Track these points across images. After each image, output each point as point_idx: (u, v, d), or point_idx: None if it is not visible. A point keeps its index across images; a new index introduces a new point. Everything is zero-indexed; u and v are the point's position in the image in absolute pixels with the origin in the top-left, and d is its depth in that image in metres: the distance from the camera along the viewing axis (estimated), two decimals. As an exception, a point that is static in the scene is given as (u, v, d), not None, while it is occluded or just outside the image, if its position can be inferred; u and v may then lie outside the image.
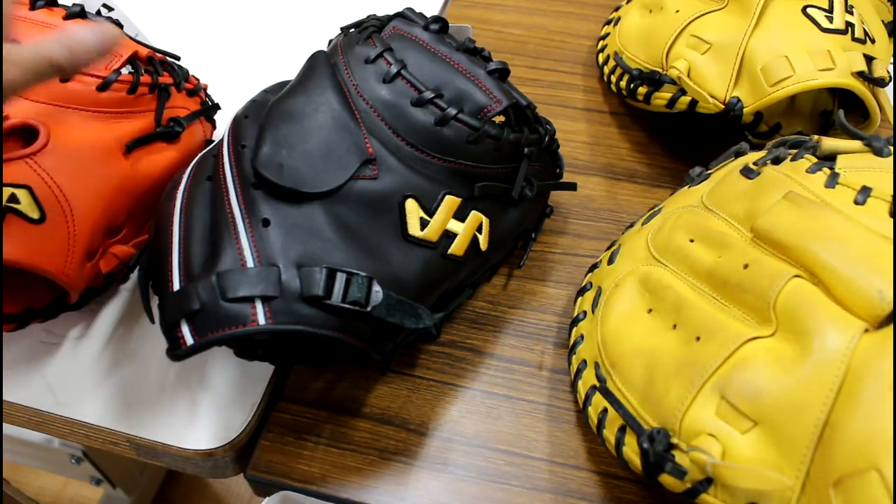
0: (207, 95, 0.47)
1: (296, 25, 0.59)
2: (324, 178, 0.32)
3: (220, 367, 0.39)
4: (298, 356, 0.37)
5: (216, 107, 0.46)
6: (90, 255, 0.36)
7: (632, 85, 0.47)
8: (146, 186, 0.39)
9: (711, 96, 0.42)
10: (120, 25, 0.40)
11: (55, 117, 0.35)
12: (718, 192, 0.35)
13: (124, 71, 0.39)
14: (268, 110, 0.35)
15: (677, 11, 0.46)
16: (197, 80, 0.46)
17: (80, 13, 0.39)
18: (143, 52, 0.40)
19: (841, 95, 0.46)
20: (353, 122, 0.34)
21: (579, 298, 0.39)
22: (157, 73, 0.41)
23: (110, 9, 0.47)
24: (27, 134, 0.35)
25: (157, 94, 0.40)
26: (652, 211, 0.40)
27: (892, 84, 0.42)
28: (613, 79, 0.50)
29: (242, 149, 0.34)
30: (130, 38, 0.41)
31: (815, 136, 0.35)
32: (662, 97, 0.45)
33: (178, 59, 0.45)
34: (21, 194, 0.32)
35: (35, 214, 0.32)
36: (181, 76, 0.43)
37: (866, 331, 0.26)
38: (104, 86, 0.37)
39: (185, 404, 0.37)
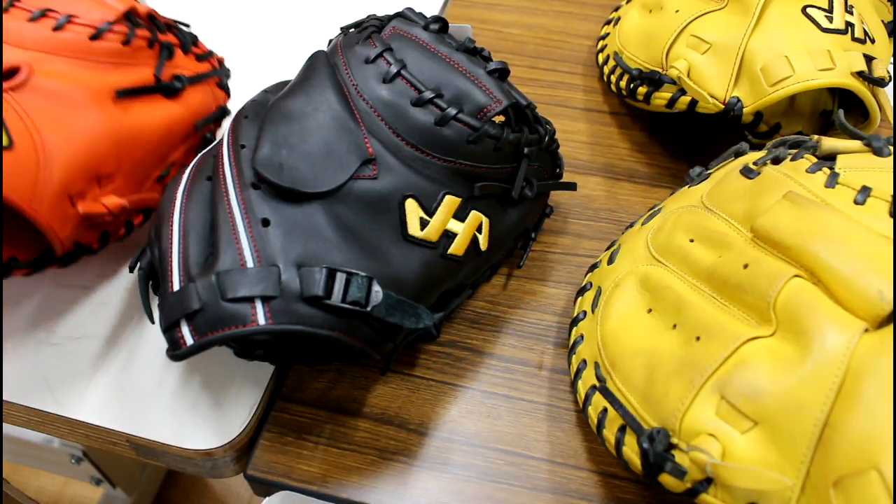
0: (221, 65, 0.47)
1: (296, 25, 0.59)
2: (323, 178, 0.32)
3: (220, 367, 0.39)
4: (298, 356, 0.37)
5: (227, 72, 0.46)
6: (72, 197, 0.36)
7: (632, 85, 0.47)
8: (141, 136, 0.39)
9: (711, 96, 0.42)
10: None
11: (44, 64, 0.36)
12: (718, 191, 0.35)
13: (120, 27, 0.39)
14: (268, 110, 0.35)
15: (677, 11, 0.46)
16: (209, 50, 0.46)
17: None
18: (143, 9, 0.41)
19: (841, 95, 0.46)
20: (353, 122, 0.34)
21: (579, 298, 0.39)
22: (158, 30, 0.41)
23: None
24: (12, 76, 0.35)
25: (157, 49, 0.41)
26: (652, 211, 0.40)
27: (892, 84, 0.42)
28: (613, 79, 0.50)
29: (242, 148, 0.34)
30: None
31: (815, 136, 0.35)
32: (662, 97, 0.45)
33: (187, 25, 0.45)
34: None
35: (4, 142, 0.32)
36: (189, 40, 0.43)
37: (866, 331, 0.26)
38: (97, 34, 0.37)
39: (185, 404, 0.37)
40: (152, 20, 0.41)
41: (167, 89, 0.41)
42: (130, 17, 0.40)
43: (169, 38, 0.42)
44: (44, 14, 0.37)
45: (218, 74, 0.45)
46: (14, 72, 0.35)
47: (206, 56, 0.45)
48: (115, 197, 0.38)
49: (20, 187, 0.33)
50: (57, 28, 0.37)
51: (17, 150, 0.33)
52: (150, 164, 0.41)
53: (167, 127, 0.41)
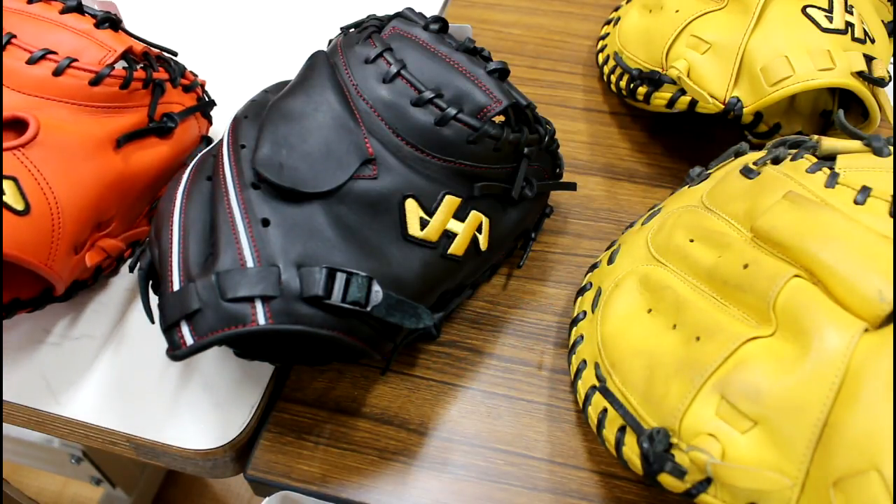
0: (204, 91, 0.47)
1: (296, 25, 0.59)
2: (323, 178, 0.32)
3: (220, 367, 0.39)
4: (298, 356, 0.37)
5: (212, 103, 0.46)
6: (77, 247, 0.36)
7: (632, 85, 0.47)
8: (137, 181, 0.39)
9: (711, 96, 0.42)
10: (119, 21, 0.40)
11: (45, 110, 0.35)
12: (718, 191, 0.35)
13: (118, 66, 0.38)
14: (268, 110, 0.35)
15: (677, 11, 0.46)
16: (194, 75, 0.46)
17: (77, 7, 0.39)
18: (139, 47, 0.40)
19: (841, 95, 0.46)
20: (353, 122, 0.34)
21: (579, 298, 0.39)
22: (153, 68, 0.41)
23: None
24: (17, 126, 0.35)
25: (151, 89, 0.40)
26: (652, 211, 0.40)
27: (892, 84, 0.42)
28: (613, 79, 0.50)
29: (242, 148, 0.34)
30: (127, 32, 0.41)
31: (815, 136, 0.35)
32: (662, 97, 0.45)
33: (175, 54, 0.45)
34: (7, 185, 0.32)
35: (20, 206, 0.32)
36: (177, 72, 0.43)
37: (866, 331, 0.26)
38: (97, 80, 0.37)
39: (185, 404, 0.37)
40: (147, 58, 0.41)
41: (161, 130, 0.41)
42: (127, 57, 0.39)
43: (161, 73, 0.41)
44: (44, 56, 0.36)
45: (204, 106, 0.45)
46: (20, 123, 0.34)
47: (193, 86, 0.45)
48: (111, 240, 0.38)
49: (38, 251, 0.33)
50: (57, 73, 0.36)
51: (34, 214, 0.33)
52: (143, 203, 0.42)
53: (160, 167, 0.41)
